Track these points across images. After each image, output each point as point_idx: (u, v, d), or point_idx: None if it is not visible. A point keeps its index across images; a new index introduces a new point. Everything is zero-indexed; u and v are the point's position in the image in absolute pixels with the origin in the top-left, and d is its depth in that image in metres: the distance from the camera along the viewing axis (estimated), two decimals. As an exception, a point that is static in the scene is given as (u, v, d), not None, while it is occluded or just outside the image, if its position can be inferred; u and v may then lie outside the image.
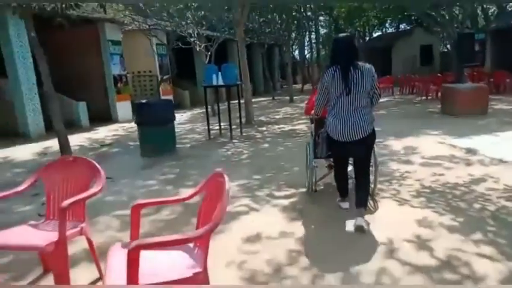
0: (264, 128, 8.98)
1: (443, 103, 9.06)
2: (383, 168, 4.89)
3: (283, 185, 4.41)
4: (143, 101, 7.09)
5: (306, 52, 27.10)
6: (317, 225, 3.28)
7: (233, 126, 8.22)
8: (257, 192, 4.18)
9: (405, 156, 5.43)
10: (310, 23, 27.80)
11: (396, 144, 6.19)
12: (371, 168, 3.47)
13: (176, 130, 9.35)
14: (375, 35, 29.79)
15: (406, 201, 3.67)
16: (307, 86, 25.58)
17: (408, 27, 26.16)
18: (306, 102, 5.04)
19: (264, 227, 3.23)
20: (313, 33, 33.19)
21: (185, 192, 4.19)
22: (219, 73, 7.52)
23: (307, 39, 24.00)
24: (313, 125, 3.84)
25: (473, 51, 12.10)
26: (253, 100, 18.59)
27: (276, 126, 9.16)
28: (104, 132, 9.63)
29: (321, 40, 33.32)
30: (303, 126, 8.94)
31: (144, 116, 6.24)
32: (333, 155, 3.45)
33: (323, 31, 34.96)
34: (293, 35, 27.01)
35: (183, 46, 13.24)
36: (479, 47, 12.24)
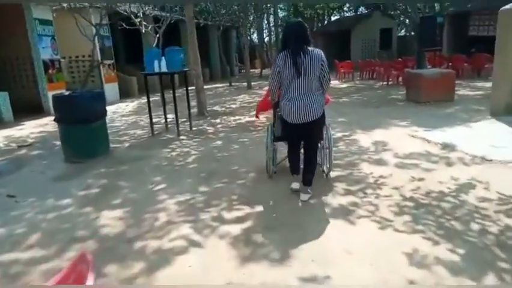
0: (218, 120, 8.00)
1: (407, 90, 8.54)
2: (354, 171, 4.14)
3: (235, 200, 3.52)
4: (66, 92, 5.83)
5: (265, 35, 26.11)
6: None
7: (182, 119, 7.18)
8: (201, 215, 3.25)
9: (377, 155, 4.72)
10: (268, 5, 26.80)
11: (365, 139, 5.48)
12: (327, 150, 3.82)
13: (116, 124, 8.26)
14: (333, 18, 29.30)
15: (388, 222, 2.91)
16: (266, 71, 24.66)
17: (367, 11, 25.89)
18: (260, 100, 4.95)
19: (204, 276, 2.33)
20: (272, 15, 32.34)
21: (108, 216, 3.36)
22: (163, 58, 6.40)
23: (266, 22, 22.97)
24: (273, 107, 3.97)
25: (434, 35, 11.75)
26: (209, 86, 17.59)
27: (232, 118, 8.20)
28: (29, 129, 8.18)
29: (280, 23, 32.50)
30: (262, 117, 8.03)
31: (63, 111, 5.04)
32: (287, 136, 3.61)
33: (281, 14, 34.13)
34: (251, 17, 25.92)
35: (128, 27, 11.80)
36: (438, 31, 11.91)
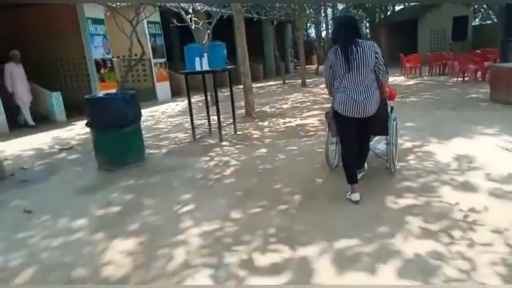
0: (266, 123, 7.26)
1: (492, 88, 7.09)
2: (433, 200, 3.16)
3: (272, 236, 2.75)
4: (99, 94, 5.46)
5: (322, 30, 24.82)
6: None
7: (228, 121, 6.57)
8: (227, 256, 2.53)
9: (462, 175, 3.66)
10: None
11: (443, 152, 4.40)
12: (393, 144, 3.65)
13: (160, 126, 7.88)
14: (397, 8, 27.09)
15: (493, 293, 1.96)
16: (323, 67, 23.46)
17: None
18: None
19: None
20: (329, 8, 30.89)
21: (117, 249, 2.67)
22: (205, 55, 5.81)
23: (323, 16, 21.73)
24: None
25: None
26: (261, 84, 16.91)
27: (281, 121, 7.42)
28: (78, 129, 8.11)
29: (337, 15, 30.91)
30: (314, 120, 7.17)
31: (94, 115, 4.63)
32: (341, 132, 3.37)
33: (340, 6, 32.47)
34: (307, 11, 24.81)
35: (179, 24, 11.51)
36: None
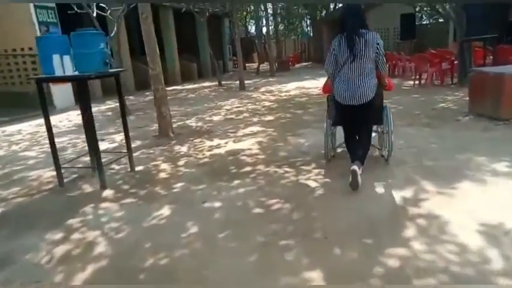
0: (185, 149, 5.13)
1: (475, 98, 5.64)
2: None
3: None
4: None
5: (262, 25, 23.01)
6: None
7: (137, 144, 4.36)
8: None
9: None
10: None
11: (458, 220, 2.62)
12: (386, 132, 3.78)
13: (31, 155, 5.22)
14: (340, 5, 26.23)
15: None
16: (265, 66, 21.75)
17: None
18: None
19: None
20: (269, 4, 29.28)
21: None
22: (70, 51, 3.54)
23: (263, 10, 20.01)
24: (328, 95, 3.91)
25: (487, 18, 8.86)
26: (193, 86, 14.57)
27: (207, 144, 5.34)
28: None
29: (279, 12, 29.46)
30: (253, 142, 5.21)
31: None
32: (339, 118, 3.60)
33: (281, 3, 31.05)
34: (246, 6, 22.94)
35: (79, 11, 8.90)
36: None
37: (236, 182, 3.71)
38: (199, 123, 6.87)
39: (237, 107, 8.44)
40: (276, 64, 20.76)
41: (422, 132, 5.09)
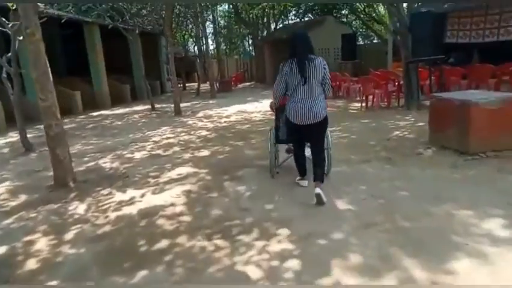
0: (82, 209, 3.77)
1: (437, 128, 4.95)
2: None
3: None
4: None
5: (202, 44, 21.87)
6: None
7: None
8: None
9: None
10: (206, 12, 22.96)
11: None
12: (325, 148, 3.91)
13: None
14: (280, 26, 26.14)
15: None
16: (206, 86, 20.58)
17: (315, 17, 23.04)
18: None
19: None
20: (209, 23, 28.57)
21: None
22: None
23: (201, 29, 19.01)
24: (274, 111, 4.21)
25: (437, 37, 8.63)
26: (122, 111, 12.69)
27: (117, 197, 4.03)
28: None
29: (219, 30, 28.74)
30: (178, 194, 4.01)
31: None
32: (292, 137, 3.89)
33: (222, 21, 30.47)
34: (182, 22, 21.84)
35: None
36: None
37: (141, 274, 2.48)
38: (115, 164, 5.50)
39: (167, 138, 7.17)
40: (218, 84, 19.78)
41: (383, 172, 4.24)
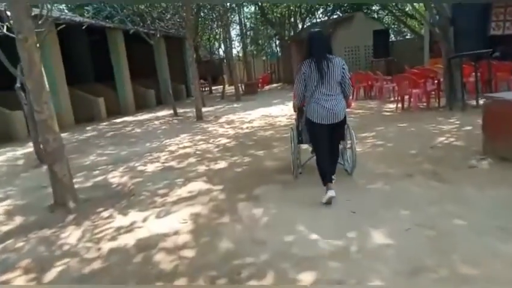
0: (76, 236, 3.31)
1: (494, 136, 4.12)
2: None
3: None
4: None
5: (226, 48, 21.52)
6: None
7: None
8: None
9: None
10: (231, 13, 22.62)
11: None
12: (348, 148, 4.08)
13: None
14: (306, 25, 25.31)
15: None
16: (232, 89, 20.14)
17: (344, 14, 22.04)
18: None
19: None
20: (235, 25, 28.23)
21: None
22: None
23: (225, 32, 18.63)
24: (296, 111, 4.07)
25: (481, 30, 7.69)
26: (146, 117, 12.29)
27: (117, 222, 3.54)
28: None
29: (245, 32, 28.29)
30: (199, 208, 3.47)
31: None
32: (314, 138, 3.70)
33: (248, 23, 30.03)
34: (207, 26, 21.55)
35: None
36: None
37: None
38: (125, 178, 5.05)
39: (184, 148, 6.69)
40: (243, 87, 19.31)
41: (430, 192, 3.50)
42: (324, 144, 3.57)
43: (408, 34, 27.59)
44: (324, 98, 3.40)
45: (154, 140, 7.80)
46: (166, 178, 4.82)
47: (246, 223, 3.25)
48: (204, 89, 26.30)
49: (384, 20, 23.38)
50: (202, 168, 5.18)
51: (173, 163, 5.64)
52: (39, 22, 4.69)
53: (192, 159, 5.74)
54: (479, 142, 4.64)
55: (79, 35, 15.28)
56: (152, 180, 4.79)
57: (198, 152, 6.20)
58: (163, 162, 5.74)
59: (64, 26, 8.16)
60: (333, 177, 3.47)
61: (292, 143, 4.11)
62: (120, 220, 3.57)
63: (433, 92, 8.38)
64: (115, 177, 5.13)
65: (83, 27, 10.87)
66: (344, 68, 3.43)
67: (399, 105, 8.26)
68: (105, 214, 3.76)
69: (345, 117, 3.58)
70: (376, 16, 22.45)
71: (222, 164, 5.28)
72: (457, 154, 4.53)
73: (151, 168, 5.48)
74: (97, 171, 5.56)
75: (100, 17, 12.06)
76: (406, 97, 8.41)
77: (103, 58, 14.93)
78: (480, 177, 3.71)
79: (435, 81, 8.58)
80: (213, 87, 24.95)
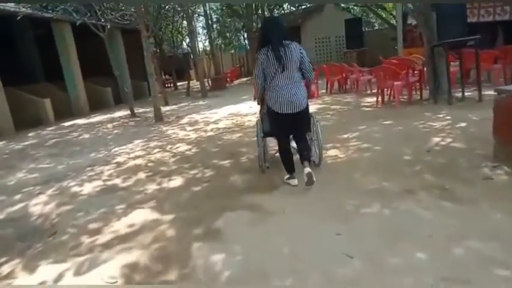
0: None
1: (505, 138, 3.37)
2: None
3: None
4: None
5: (190, 41, 20.21)
6: None
7: None
8: None
9: None
10: (194, 6, 21.33)
11: None
12: (315, 141, 3.94)
13: None
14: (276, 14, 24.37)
15: None
16: (197, 85, 18.92)
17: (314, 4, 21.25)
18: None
19: None
20: (201, 18, 26.94)
21: None
22: None
23: (187, 25, 17.40)
24: (259, 104, 3.91)
25: (463, 16, 7.03)
26: (99, 119, 10.54)
27: (19, 281, 2.47)
28: None
29: (213, 26, 27.03)
30: (137, 254, 2.44)
31: None
32: (276, 128, 3.64)
33: (214, 16, 28.76)
34: (173, 18, 20.17)
35: None
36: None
37: None
38: (50, 206, 3.92)
39: (134, 158, 5.59)
40: (210, 82, 18.20)
41: (445, 218, 2.65)
42: (285, 133, 3.54)
43: (377, 25, 27.33)
44: (284, 86, 3.33)
45: (102, 148, 6.63)
46: (104, 204, 3.75)
47: (200, 279, 2.28)
48: (168, 85, 24.92)
49: (353, 11, 22.84)
50: (151, 187, 4.14)
51: (117, 181, 4.55)
52: None
53: (142, 175, 4.68)
54: (481, 143, 3.94)
55: (21, 28, 13.64)
56: (85, 209, 3.70)
57: (150, 164, 5.14)
58: (105, 180, 4.64)
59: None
60: (311, 156, 3.51)
61: (258, 137, 3.95)
62: (22, 279, 2.51)
63: (416, 84, 7.71)
64: (38, 205, 4.00)
65: (18, 18, 9.39)
66: (301, 52, 3.35)
67: (379, 99, 7.51)
68: (4, 269, 2.68)
69: (307, 106, 3.52)
70: (345, 6, 21.86)
71: (177, 181, 4.27)
72: (461, 160, 3.74)
73: (88, 189, 4.37)
74: (19, 196, 4.40)
75: (37, 7, 10.55)
76: (386, 90, 7.69)
77: (52, 55, 13.37)
78: (502, 194, 2.91)
79: (416, 72, 7.92)
80: (179, 83, 23.64)
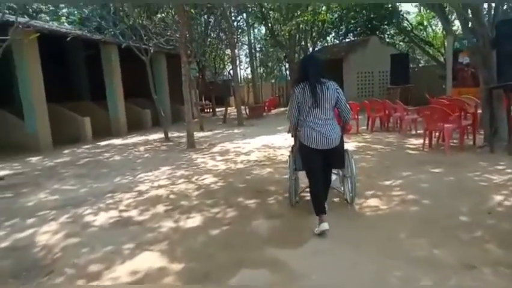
0: None
1: None
2: None
3: None
4: None
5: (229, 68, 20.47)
6: None
7: None
8: None
9: None
10: (239, 35, 21.86)
11: None
12: (348, 176, 3.82)
13: None
14: (317, 49, 24.27)
15: None
16: (234, 112, 18.88)
17: (357, 38, 20.93)
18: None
19: None
20: (244, 46, 27.47)
21: None
22: None
23: (237, 53, 17.63)
24: (293, 137, 3.82)
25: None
26: (133, 141, 10.48)
27: None
28: None
29: (256, 55, 27.39)
30: None
31: None
32: (307, 164, 3.52)
33: (258, 45, 29.20)
34: (217, 46, 20.63)
35: None
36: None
37: None
38: (57, 237, 3.63)
39: (157, 187, 5.30)
40: (247, 110, 18.10)
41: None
42: (317, 170, 3.44)
43: (422, 61, 26.41)
44: (318, 122, 3.34)
45: (128, 172, 6.43)
46: (112, 241, 3.41)
47: None
48: (207, 111, 25.19)
49: (399, 46, 22.25)
50: (167, 225, 3.77)
51: (134, 212, 4.24)
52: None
53: (160, 208, 4.34)
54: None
55: (73, 49, 14.34)
56: (92, 244, 3.38)
57: (171, 196, 4.80)
58: (122, 211, 4.34)
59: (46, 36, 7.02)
60: (325, 205, 3.38)
61: (289, 169, 3.89)
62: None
63: (468, 128, 6.98)
64: (47, 234, 3.73)
65: (68, 39, 9.76)
66: (338, 92, 3.35)
67: (427, 141, 6.83)
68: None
69: (342, 142, 3.54)
70: (391, 41, 21.34)
71: (195, 220, 3.87)
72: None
73: (101, 219, 4.08)
74: (32, 220, 4.19)
75: (87, 29, 11.01)
76: (434, 132, 7.01)
77: (98, 75, 13.87)
78: None
79: (468, 115, 7.19)
80: (218, 109, 23.82)
